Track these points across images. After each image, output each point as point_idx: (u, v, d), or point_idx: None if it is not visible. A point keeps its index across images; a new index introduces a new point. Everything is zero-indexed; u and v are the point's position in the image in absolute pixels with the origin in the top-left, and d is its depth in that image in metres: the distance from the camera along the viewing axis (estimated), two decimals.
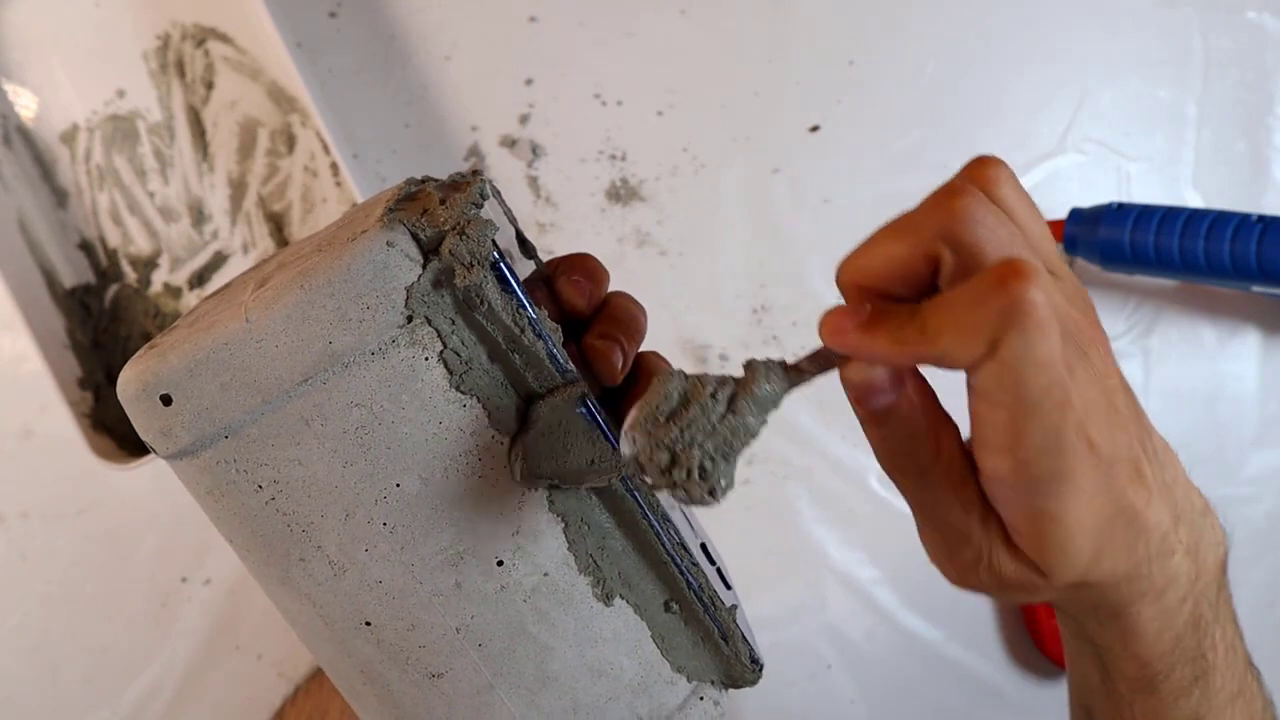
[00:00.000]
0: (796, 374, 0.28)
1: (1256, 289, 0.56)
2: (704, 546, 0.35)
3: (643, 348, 0.37)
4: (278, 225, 0.60)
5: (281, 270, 0.30)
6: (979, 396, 0.26)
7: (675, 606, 0.32)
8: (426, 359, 0.28)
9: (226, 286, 0.35)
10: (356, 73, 0.59)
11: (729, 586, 0.36)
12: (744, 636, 0.33)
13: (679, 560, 0.32)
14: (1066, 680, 0.36)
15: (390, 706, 0.32)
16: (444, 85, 0.60)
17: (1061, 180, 0.60)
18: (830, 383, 0.62)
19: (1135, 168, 0.61)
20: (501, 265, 0.28)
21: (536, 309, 0.29)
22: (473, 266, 0.28)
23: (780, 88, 0.60)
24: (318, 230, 0.36)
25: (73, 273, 0.59)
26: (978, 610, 0.60)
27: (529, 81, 0.60)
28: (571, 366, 0.30)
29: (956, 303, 0.26)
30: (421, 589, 0.30)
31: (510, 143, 0.60)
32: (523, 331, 0.29)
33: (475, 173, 0.31)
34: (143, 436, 0.30)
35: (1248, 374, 0.61)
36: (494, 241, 0.28)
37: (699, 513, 0.42)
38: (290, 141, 0.59)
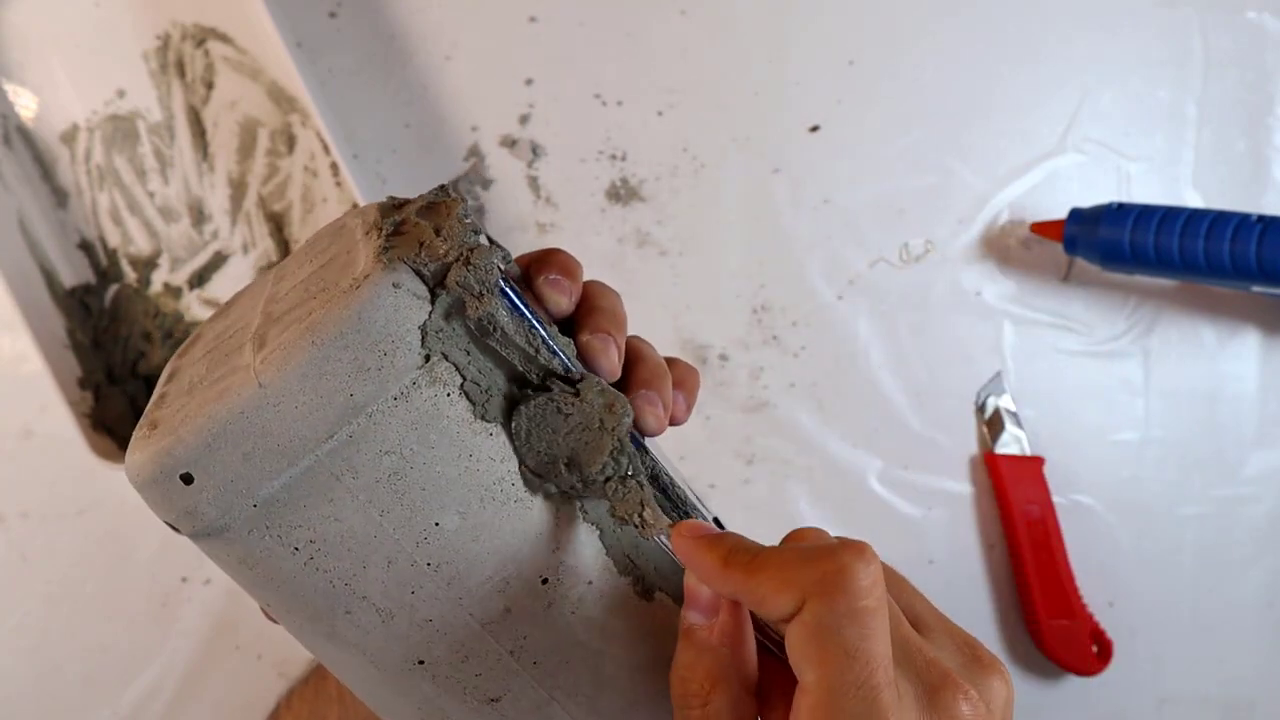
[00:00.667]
0: (646, 527, 0.30)
1: (1256, 289, 0.56)
2: (716, 520, 0.35)
3: (675, 357, 0.37)
4: (278, 225, 0.60)
5: (277, 325, 0.29)
6: (789, 659, 0.26)
7: None
8: (449, 395, 0.28)
9: (196, 339, 0.35)
10: (356, 73, 0.59)
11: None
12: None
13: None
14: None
15: None
16: (444, 85, 0.60)
17: (1061, 180, 0.60)
18: (830, 382, 0.63)
19: (1135, 167, 0.61)
20: (509, 290, 0.28)
21: (547, 326, 0.29)
22: (482, 296, 0.27)
23: (780, 88, 0.60)
24: (286, 262, 0.35)
25: (73, 273, 0.59)
26: (978, 611, 0.60)
27: (529, 81, 0.60)
28: (587, 374, 0.30)
29: (790, 554, 0.26)
30: (472, 620, 0.30)
31: (510, 143, 0.60)
32: (537, 352, 0.29)
33: (443, 188, 0.31)
34: (163, 519, 0.28)
35: (1248, 374, 0.61)
36: (499, 266, 0.28)
37: (710, 498, 0.42)
38: (290, 141, 0.59)
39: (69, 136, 0.60)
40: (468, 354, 0.28)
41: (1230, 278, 0.55)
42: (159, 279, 0.60)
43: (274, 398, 0.27)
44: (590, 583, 0.31)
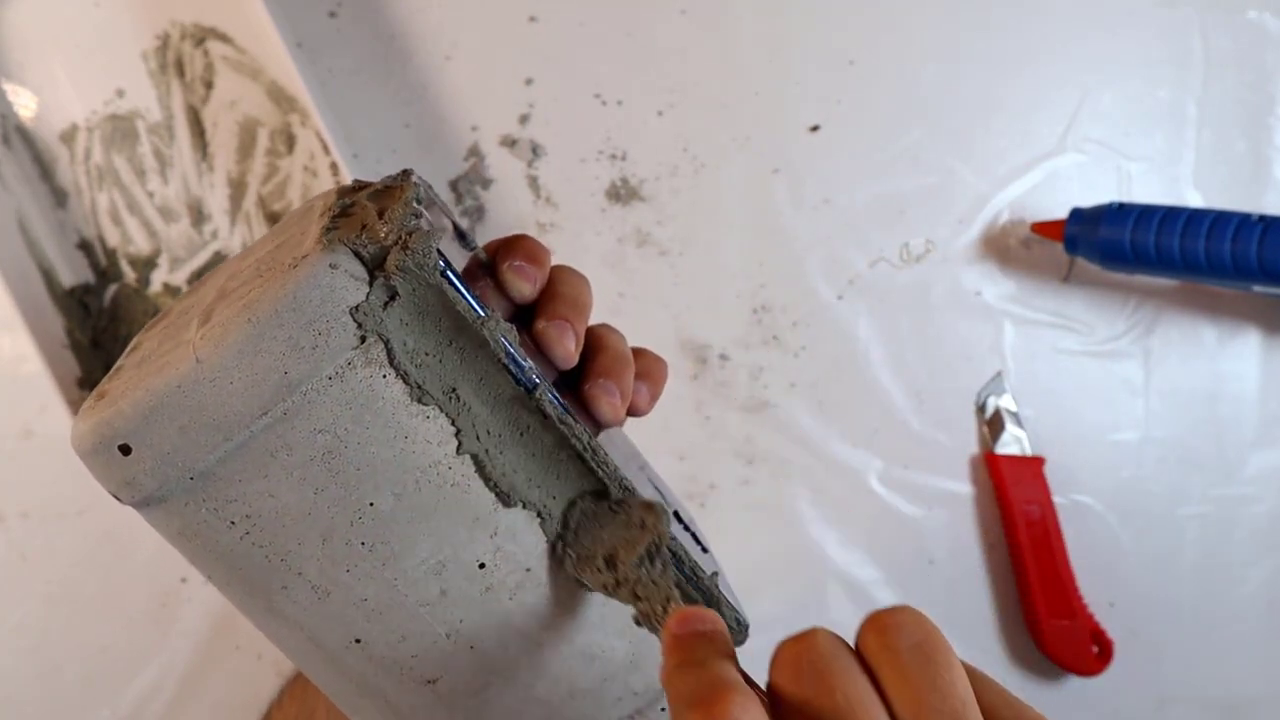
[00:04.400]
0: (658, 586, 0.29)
1: (1257, 289, 0.56)
2: (676, 514, 0.35)
3: (643, 347, 0.37)
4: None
5: (224, 301, 0.29)
6: None
7: None
8: (385, 376, 0.28)
9: (165, 314, 0.35)
10: (356, 73, 0.59)
11: (706, 550, 0.36)
12: (729, 601, 0.33)
13: None
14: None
15: (391, 714, 0.32)
16: (444, 85, 0.60)
17: (1062, 180, 0.60)
18: (830, 382, 0.62)
19: (1136, 167, 0.61)
20: (448, 274, 0.28)
21: (487, 309, 0.29)
22: (419, 279, 0.28)
23: (780, 88, 0.60)
24: (257, 241, 0.35)
25: (72, 272, 0.59)
26: (977, 610, 0.60)
27: (529, 81, 0.60)
28: (530, 364, 0.30)
29: (670, 685, 0.25)
30: (407, 601, 0.30)
31: (510, 143, 0.60)
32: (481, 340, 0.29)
33: (406, 172, 0.31)
34: (105, 488, 0.29)
35: (1248, 374, 0.61)
36: (439, 251, 0.28)
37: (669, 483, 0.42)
38: (290, 141, 0.59)
39: (68, 136, 0.60)
40: (404, 337, 0.28)
41: (1231, 278, 0.55)
42: (158, 279, 0.60)
43: (210, 373, 0.27)
44: (529, 570, 0.31)
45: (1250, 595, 0.60)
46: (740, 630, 0.33)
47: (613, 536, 0.30)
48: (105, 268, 0.60)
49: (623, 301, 0.60)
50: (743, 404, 0.60)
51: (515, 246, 0.33)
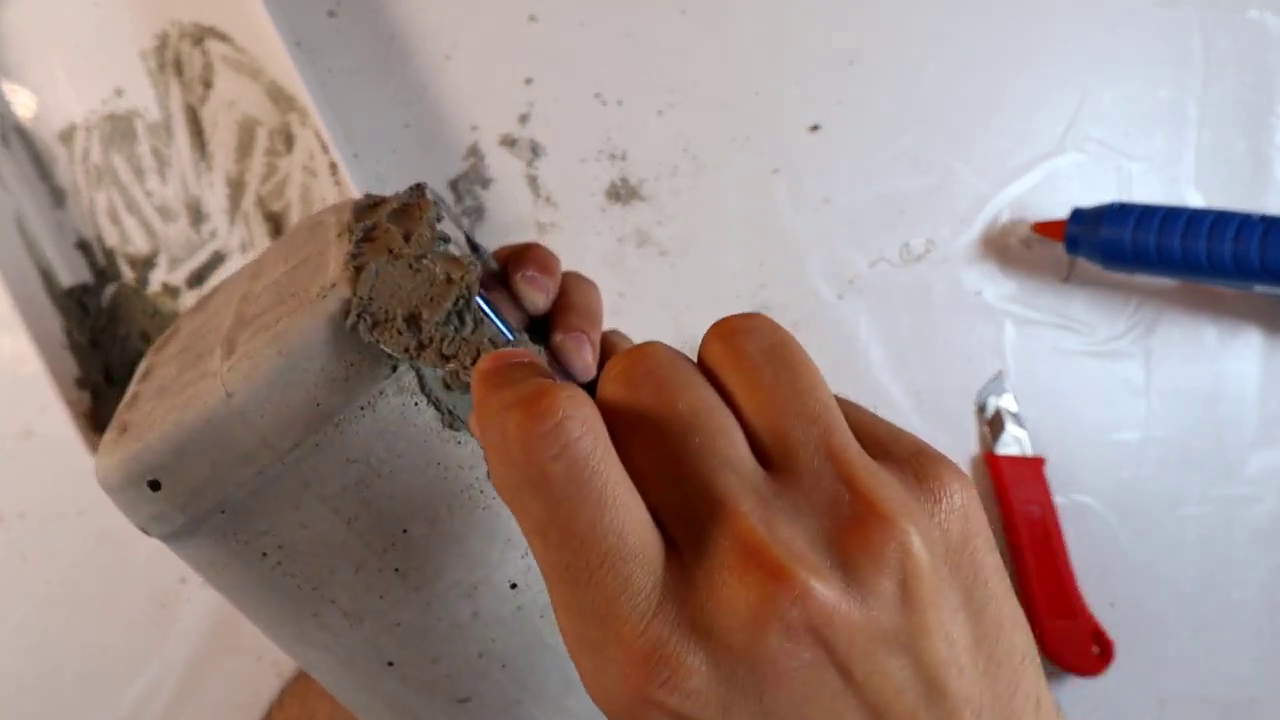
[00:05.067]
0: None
1: (1258, 289, 0.56)
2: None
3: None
4: (276, 225, 0.60)
5: (245, 328, 0.29)
6: None
7: None
8: (416, 404, 0.28)
9: (173, 334, 0.34)
10: (356, 72, 0.59)
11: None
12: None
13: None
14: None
15: None
16: (444, 85, 0.60)
17: (1062, 180, 0.60)
18: (830, 382, 0.62)
19: (1136, 167, 0.61)
20: (478, 299, 0.28)
21: (517, 334, 0.29)
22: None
23: (780, 88, 0.60)
24: (263, 257, 0.34)
25: (70, 272, 0.59)
26: None
27: (529, 81, 0.60)
28: (556, 377, 0.29)
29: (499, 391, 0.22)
30: (440, 624, 0.30)
31: (510, 142, 0.60)
32: None
33: (420, 187, 0.30)
34: (133, 522, 0.28)
35: (1249, 374, 0.61)
36: (473, 280, 0.28)
37: None
38: (289, 141, 0.59)
39: (67, 136, 0.59)
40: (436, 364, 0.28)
41: (1232, 277, 0.55)
42: (157, 278, 0.60)
43: (241, 407, 0.26)
44: None
45: (1251, 595, 0.60)
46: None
47: (414, 294, 0.27)
48: (104, 267, 0.60)
49: (623, 301, 0.60)
50: None
51: (527, 256, 0.33)
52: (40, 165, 0.60)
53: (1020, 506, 0.58)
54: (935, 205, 0.60)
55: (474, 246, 0.33)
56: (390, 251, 0.27)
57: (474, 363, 0.27)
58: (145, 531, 0.29)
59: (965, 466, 0.60)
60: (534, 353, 0.27)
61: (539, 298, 0.32)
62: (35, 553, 0.59)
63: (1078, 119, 0.61)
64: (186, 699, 0.59)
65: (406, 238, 0.28)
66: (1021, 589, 0.59)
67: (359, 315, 0.27)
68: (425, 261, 0.27)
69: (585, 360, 0.31)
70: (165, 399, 0.28)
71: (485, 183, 0.60)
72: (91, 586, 0.59)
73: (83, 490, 0.59)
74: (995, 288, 0.60)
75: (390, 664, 0.30)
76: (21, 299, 0.54)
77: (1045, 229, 0.58)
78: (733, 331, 0.22)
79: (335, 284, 0.27)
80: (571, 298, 0.33)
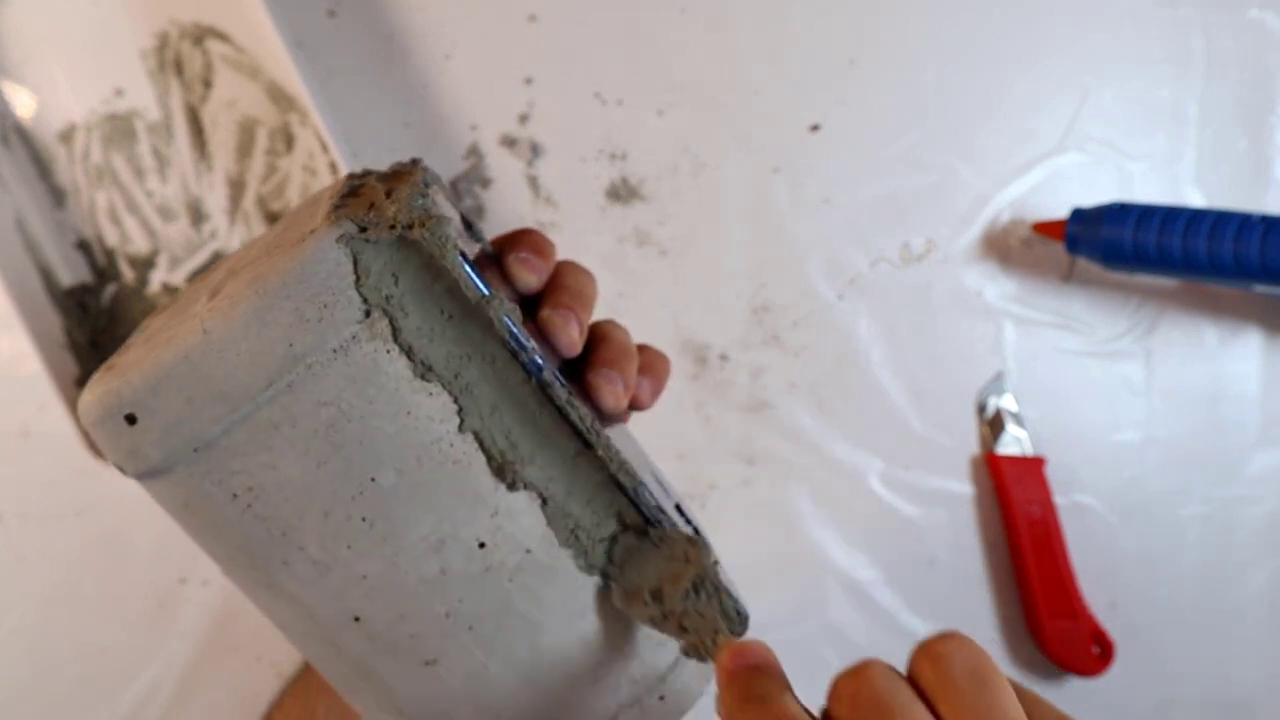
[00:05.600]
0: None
1: (1259, 289, 0.55)
2: (679, 507, 0.35)
3: (646, 343, 0.37)
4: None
5: (233, 278, 0.30)
6: None
7: None
8: (389, 351, 0.28)
9: (176, 299, 0.35)
10: (356, 72, 0.59)
11: (701, 535, 0.37)
12: (728, 590, 0.33)
13: (657, 523, 0.32)
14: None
15: (388, 698, 0.32)
16: (444, 85, 0.60)
17: (1063, 180, 0.60)
18: (830, 382, 0.62)
19: (1137, 167, 0.61)
20: (454, 253, 0.29)
21: (492, 289, 0.29)
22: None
23: (780, 88, 0.60)
24: (265, 232, 0.36)
25: (70, 272, 0.59)
26: (978, 611, 0.60)
27: (529, 81, 0.60)
28: (534, 345, 0.30)
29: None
30: (407, 579, 0.30)
31: (510, 142, 0.60)
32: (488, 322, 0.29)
33: (415, 160, 0.31)
34: (110, 459, 0.29)
35: (1250, 374, 0.61)
36: (449, 234, 0.29)
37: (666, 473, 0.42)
38: (289, 141, 0.59)
39: (67, 135, 0.59)
40: (409, 313, 0.29)
41: (1233, 277, 0.55)
42: (157, 278, 0.60)
43: (217, 344, 0.28)
44: (529, 551, 0.31)
45: (1252, 595, 0.60)
46: (740, 621, 0.33)
47: (658, 571, 0.30)
48: (104, 267, 0.60)
49: (623, 301, 0.60)
50: (743, 404, 0.60)
51: (521, 239, 0.33)
52: (40, 165, 0.60)
53: (1021, 507, 0.58)
54: (935, 205, 0.60)
55: (469, 225, 0.33)
56: (372, 206, 0.28)
57: (713, 641, 0.30)
58: (122, 470, 0.30)
59: (965, 467, 0.60)
60: (764, 646, 0.29)
61: (530, 277, 0.32)
62: (35, 553, 0.59)
63: (1078, 119, 0.61)
64: (186, 699, 0.59)
65: (388, 194, 0.29)
66: (1022, 589, 0.59)
67: (611, 582, 0.31)
68: (667, 540, 0.31)
69: (570, 335, 0.32)
70: (150, 343, 0.30)
71: (485, 183, 0.60)
72: (91, 586, 0.59)
73: (83, 490, 0.59)
74: (995, 288, 0.60)
75: (357, 619, 0.30)
76: (21, 299, 0.54)
77: (1045, 229, 0.58)
78: (937, 656, 0.26)
79: (315, 230, 0.28)
80: (563, 280, 0.33)
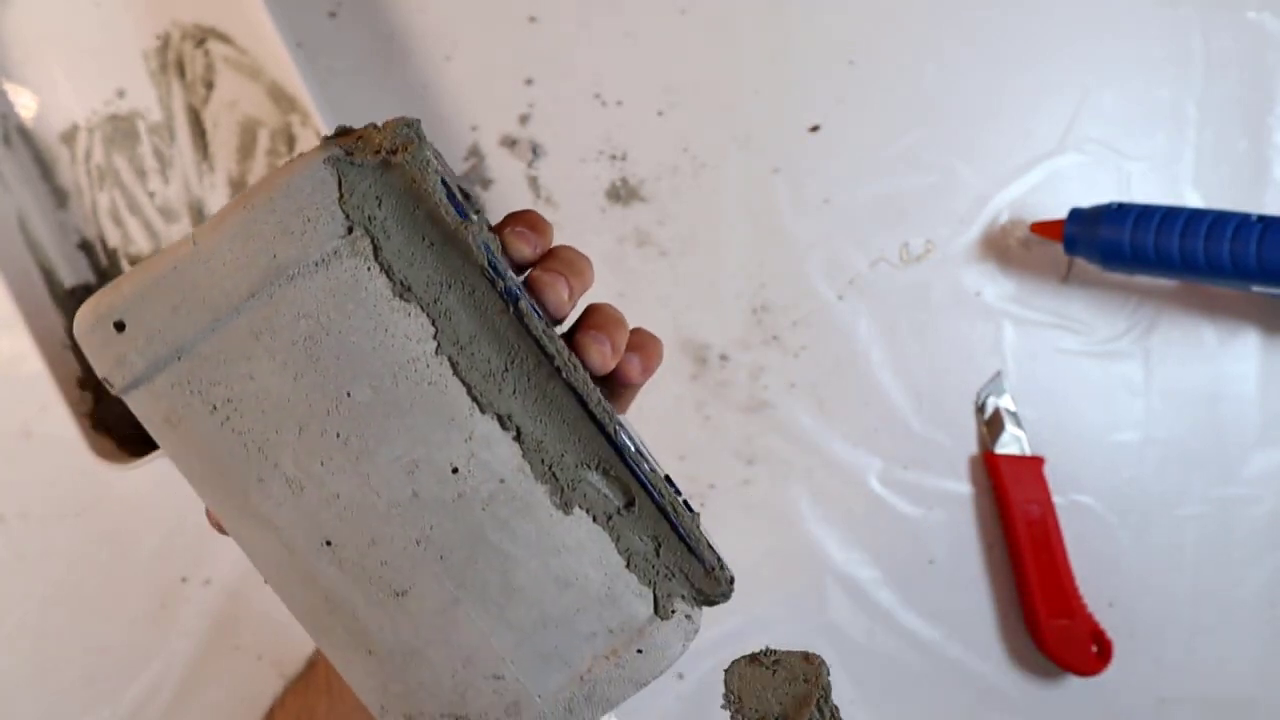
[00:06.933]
0: None
1: (1256, 289, 0.56)
2: (668, 478, 0.35)
3: (640, 326, 0.37)
4: None
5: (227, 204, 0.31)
6: None
7: (632, 510, 0.32)
8: (369, 269, 0.29)
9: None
10: (356, 73, 0.59)
11: (683, 498, 0.37)
12: (709, 544, 0.33)
13: (635, 466, 0.32)
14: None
15: (358, 635, 0.32)
16: (444, 85, 0.60)
17: (1062, 180, 0.60)
18: (830, 382, 0.62)
19: (1136, 167, 0.61)
20: (438, 179, 0.30)
21: (473, 217, 0.30)
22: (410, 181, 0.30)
23: (780, 88, 0.60)
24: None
25: (73, 272, 0.59)
26: (978, 610, 0.60)
27: (529, 81, 0.60)
28: (512, 275, 0.31)
29: None
30: (379, 501, 0.31)
31: (510, 143, 0.60)
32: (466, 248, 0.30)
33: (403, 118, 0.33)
34: (99, 371, 0.30)
35: (1248, 374, 0.61)
36: (430, 158, 0.30)
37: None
38: (290, 141, 0.59)
39: (69, 136, 0.60)
40: (391, 234, 0.30)
41: (1230, 277, 0.55)
42: None
43: (204, 255, 0.29)
44: (503, 481, 0.31)
45: (1250, 595, 0.60)
46: (725, 580, 0.33)
47: (778, 696, 0.31)
48: (106, 268, 0.60)
49: (623, 301, 0.60)
50: (743, 404, 0.60)
51: (518, 216, 0.34)
52: (42, 166, 0.60)
53: (1020, 506, 0.59)
54: (935, 205, 0.60)
55: (466, 196, 0.34)
56: (360, 137, 0.29)
57: None
58: (109, 384, 0.30)
59: (964, 466, 0.60)
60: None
61: (524, 248, 0.33)
62: (35, 553, 0.59)
63: (1078, 119, 0.61)
64: (187, 698, 0.59)
65: (378, 129, 0.30)
66: (1021, 589, 0.59)
67: (734, 715, 0.32)
68: (782, 663, 0.32)
69: (559, 294, 0.32)
70: (143, 264, 0.31)
71: (485, 183, 0.60)
72: (91, 586, 0.59)
73: (83, 490, 0.59)
74: (995, 288, 0.61)
75: (329, 543, 0.31)
76: (23, 299, 0.54)
77: (1043, 229, 0.59)
78: None
79: (301, 154, 0.30)
80: (558, 253, 0.34)
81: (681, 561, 0.33)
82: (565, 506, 0.32)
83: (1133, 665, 0.59)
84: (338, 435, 0.30)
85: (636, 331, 0.36)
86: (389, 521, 0.31)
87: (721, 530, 0.59)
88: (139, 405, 0.31)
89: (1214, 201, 0.60)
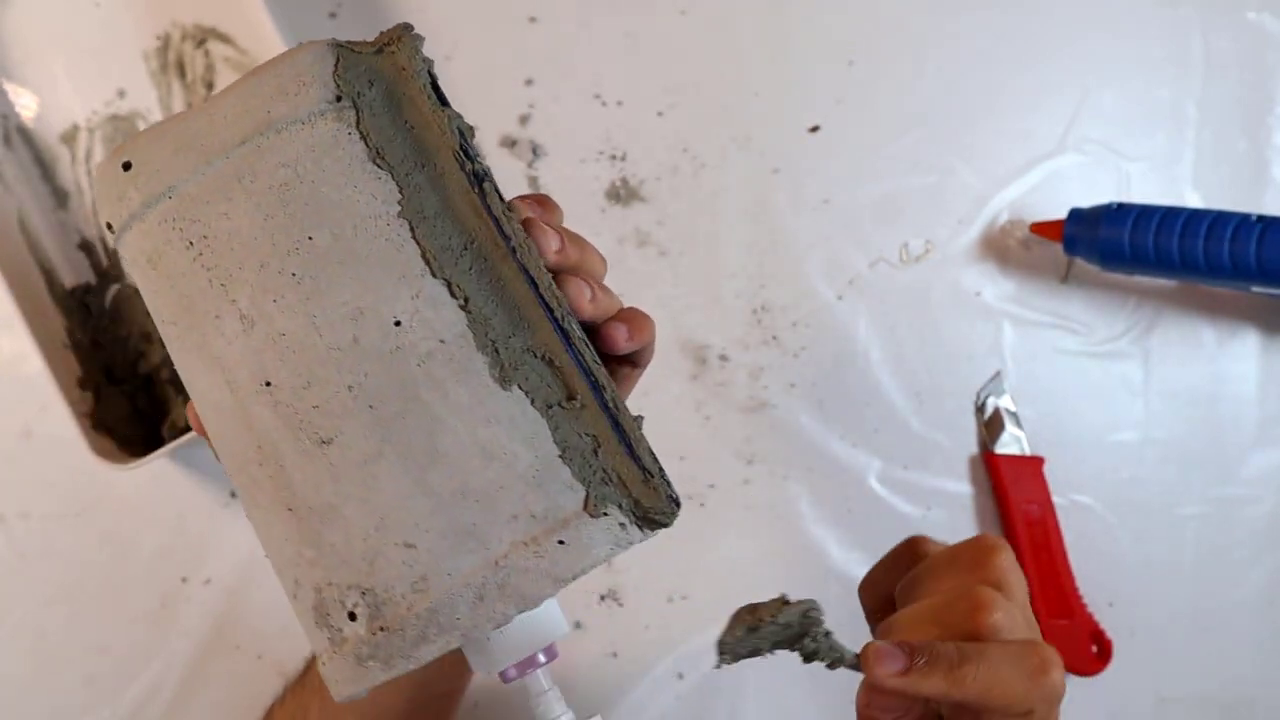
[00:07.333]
0: (830, 659, 0.33)
1: (1256, 289, 0.56)
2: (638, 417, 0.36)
3: (631, 307, 0.38)
4: None
5: None
6: None
7: (574, 403, 0.32)
8: (350, 134, 0.32)
9: None
10: None
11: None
12: (652, 453, 0.33)
13: (580, 358, 0.32)
14: None
15: (282, 488, 0.32)
16: (444, 85, 0.60)
17: (1061, 180, 0.60)
18: (830, 382, 0.62)
19: (1135, 168, 0.61)
20: (425, 69, 0.33)
21: (452, 109, 0.33)
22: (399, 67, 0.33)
23: (780, 88, 0.60)
24: None
25: (73, 273, 0.59)
26: None
27: (529, 81, 0.60)
28: (480, 160, 0.33)
29: (1004, 665, 0.31)
30: (321, 342, 0.32)
31: (510, 143, 0.60)
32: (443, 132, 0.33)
33: (402, 23, 0.36)
34: (103, 216, 0.34)
35: (1247, 374, 0.61)
36: (419, 49, 0.33)
37: None
38: None
39: (69, 136, 0.60)
40: (375, 109, 0.33)
41: (1230, 278, 0.55)
42: None
43: (210, 109, 0.33)
44: (443, 342, 0.32)
45: (1249, 595, 0.60)
46: (667, 500, 0.32)
47: (776, 639, 0.33)
48: (106, 268, 0.60)
49: (623, 301, 0.60)
50: (742, 404, 0.60)
51: (530, 195, 0.36)
52: (43, 166, 0.60)
53: (1019, 506, 0.59)
54: (935, 205, 0.60)
55: (443, 101, 0.35)
56: (360, 42, 0.34)
57: (838, 660, 0.33)
58: (109, 227, 0.34)
59: (964, 466, 0.60)
60: (889, 646, 0.32)
61: (526, 210, 0.35)
62: (37, 552, 0.59)
63: (1078, 119, 0.61)
64: (188, 698, 0.59)
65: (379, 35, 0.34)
66: None
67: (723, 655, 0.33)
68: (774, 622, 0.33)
69: (549, 240, 0.34)
70: (167, 118, 0.35)
71: None
72: (91, 586, 0.60)
73: (83, 490, 0.59)
74: (994, 288, 0.61)
75: (268, 383, 0.32)
76: (23, 299, 0.54)
77: (1043, 229, 0.59)
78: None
79: (308, 40, 0.33)
80: (560, 225, 0.36)
81: (620, 467, 0.32)
82: (503, 382, 0.32)
83: (1132, 665, 0.59)
84: (294, 275, 0.32)
85: (627, 308, 0.37)
86: (326, 364, 0.32)
87: (722, 530, 0.60)
88: (129, 247, 0.34)
89: (1213, 202, 0.60)
